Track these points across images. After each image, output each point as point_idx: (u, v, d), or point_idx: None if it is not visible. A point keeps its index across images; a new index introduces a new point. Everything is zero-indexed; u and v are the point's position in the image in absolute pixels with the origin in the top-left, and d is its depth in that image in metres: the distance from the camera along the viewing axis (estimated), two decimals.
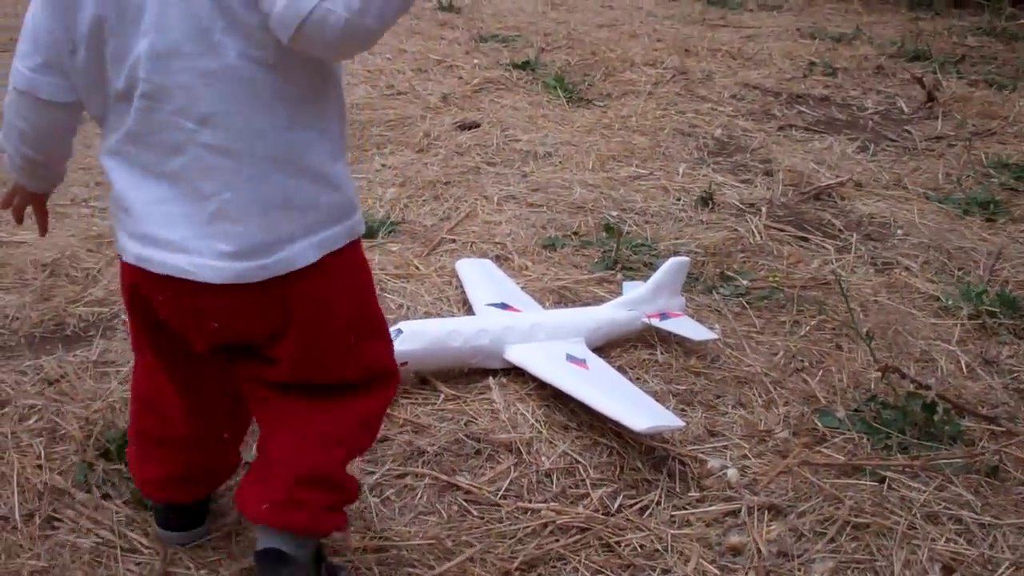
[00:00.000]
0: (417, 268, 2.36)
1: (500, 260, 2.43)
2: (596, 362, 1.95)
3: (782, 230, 2.70)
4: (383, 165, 3.06)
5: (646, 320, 2.09)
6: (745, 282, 2.39)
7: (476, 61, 4.22)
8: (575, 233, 2.61)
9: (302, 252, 1.22)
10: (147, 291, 1.27)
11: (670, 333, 2.09)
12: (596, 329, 2.05)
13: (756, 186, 3.02)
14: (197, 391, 1.40)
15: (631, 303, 2.11)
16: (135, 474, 1.50)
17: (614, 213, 2.73)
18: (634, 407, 1.77)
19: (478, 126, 3.42)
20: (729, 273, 2.43)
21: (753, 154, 3.30)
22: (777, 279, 2.40)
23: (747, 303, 2.29)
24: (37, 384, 1.86)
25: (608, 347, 2.05)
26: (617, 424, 1.74)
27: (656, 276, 2.13)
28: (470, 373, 1.94)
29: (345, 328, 1.31)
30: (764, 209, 2.81)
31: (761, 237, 2.64)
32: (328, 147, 1.24)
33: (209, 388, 1.40)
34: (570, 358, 1.93)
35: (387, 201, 2.77)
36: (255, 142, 1.18)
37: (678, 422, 1.77)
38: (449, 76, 4.02)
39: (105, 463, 1.64)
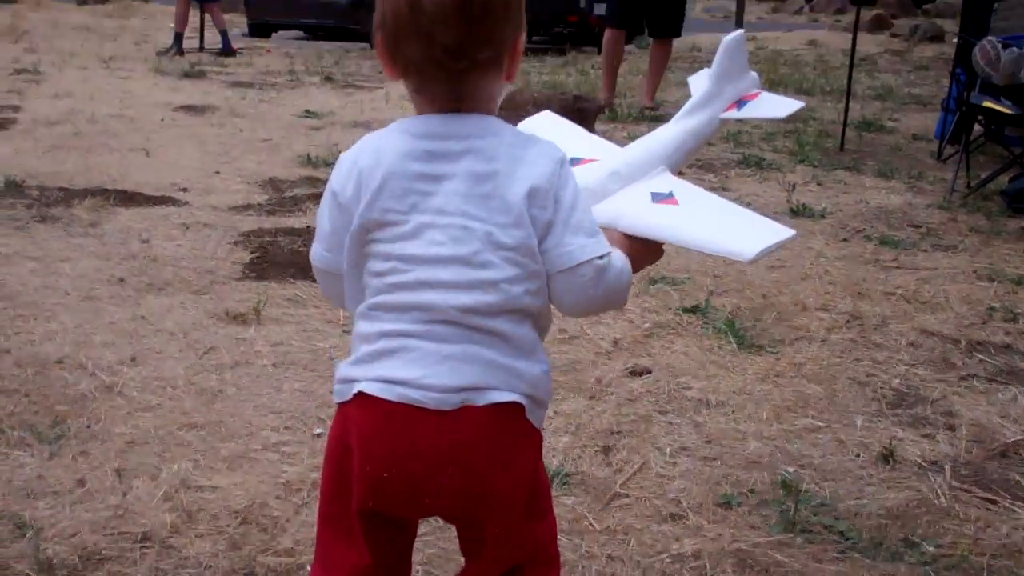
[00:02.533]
0: (591, 525, 2.37)
1: (674, 518, 2.41)
2: (684, 192, 1.83)
3: (967, 491, 2.60)
4: (555, 412, 3.11)
5: (724, 116, 2.01)
6: (931, 548, 2.30)
7: (646, 304, 4.30)
8: (751, 490, 2.58)
9: None
10: None
11: (753, 118, 1.98)
12: (676, 150, 1.95)
13: (939, 441, 2.94)
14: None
15: (700, 103, 2.01)
16: None
17: (790, 469, 2.70)
18: (736, 232, 1.70)
19: (649, 372, 3.46)
20: (914, 538, 2.34)
21: (934, 406, 3.22)
22: (965, 546, 2.30)
23: (934, 572, 2.20)
24: None
25: None
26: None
27: (716, 63, 2.02)
28: None
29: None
30: (948, 467, 2.73)
31: (946, 499, 2.55)
32: None
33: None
34: (656, 197, 1.80)
35: (560, 451, 2.81)
36: None
37: (788, 232, 1.69)
38: (619, 320, 4.10)
39: None
